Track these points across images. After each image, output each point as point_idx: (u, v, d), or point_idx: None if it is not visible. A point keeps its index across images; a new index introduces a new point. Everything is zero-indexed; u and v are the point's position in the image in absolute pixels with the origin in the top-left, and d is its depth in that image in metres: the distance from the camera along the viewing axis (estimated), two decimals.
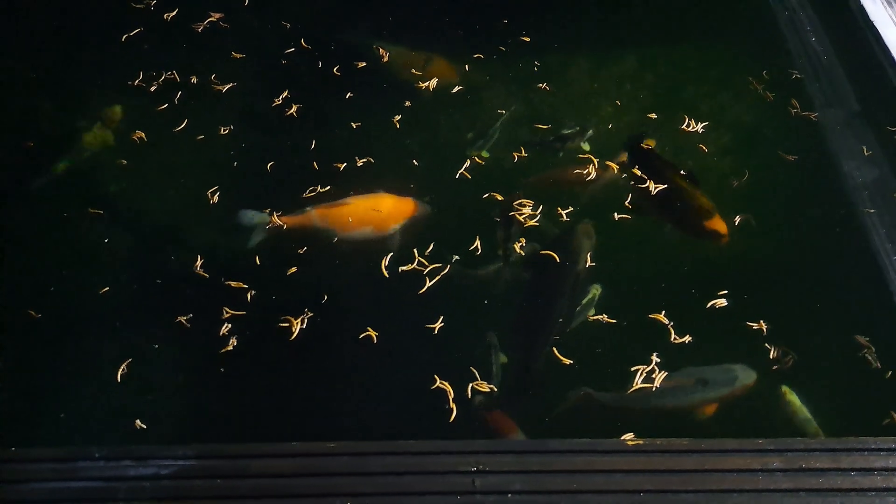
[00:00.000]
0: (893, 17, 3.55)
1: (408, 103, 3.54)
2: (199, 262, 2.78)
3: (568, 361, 2.59)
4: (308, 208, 3.06)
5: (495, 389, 2.51)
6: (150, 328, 2.76)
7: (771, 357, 2.58)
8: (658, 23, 4.11)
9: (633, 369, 2.56)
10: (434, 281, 2.82)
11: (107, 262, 2.99)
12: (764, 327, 2.65)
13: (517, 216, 3.07)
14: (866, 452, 2.09)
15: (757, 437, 2.08)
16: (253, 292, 2.81)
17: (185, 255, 2.99)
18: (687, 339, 2.64)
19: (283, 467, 2.11)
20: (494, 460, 2.10)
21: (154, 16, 3.96)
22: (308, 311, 2.73)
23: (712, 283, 2.82)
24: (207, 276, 2.87)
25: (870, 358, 2.54)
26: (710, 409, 2.55)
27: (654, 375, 2.54)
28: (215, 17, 3.93)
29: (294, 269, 2.88)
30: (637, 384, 2.52)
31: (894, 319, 2.79)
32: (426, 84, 3.62)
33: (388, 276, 2.86)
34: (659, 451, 2.10)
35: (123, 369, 2.61)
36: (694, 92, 3.73)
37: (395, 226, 3.03)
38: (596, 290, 2.83)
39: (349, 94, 3.58)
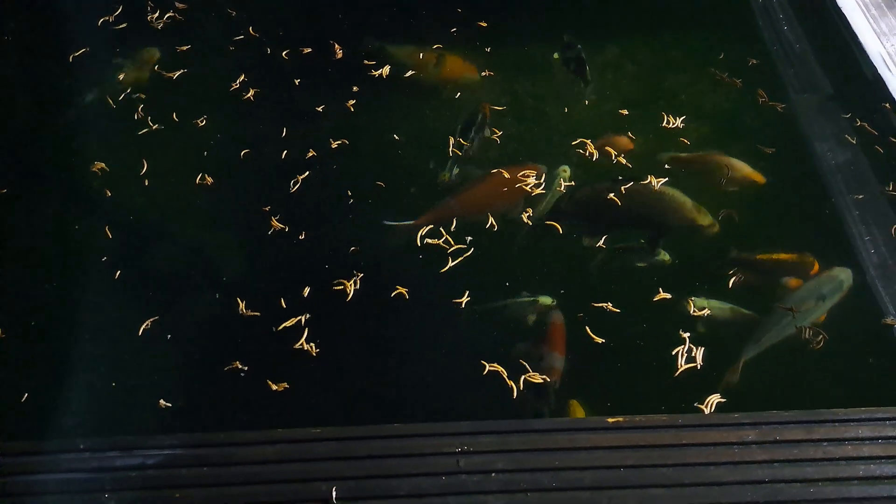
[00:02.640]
0: (858, 1, 3.62)
1: (355, 88, 3.57)
2: (242, 306, 2.74)
3: (600, 340, 2.61)
4: (447, 198, 3.13)
5: (548, 380, 2.52)
6: (143, 320, 2.75)
7: (802, 338, 2.63)
8: (639, 12, 4.15)
9: (673, 353, 2.58)
10: (457, 261, 2.85)
11: (97, 254, 2.97)
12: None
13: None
14: (837, 423, 2.16)
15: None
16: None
17: (177, 249, 3.01)
18: (705, 312, 2.70)
19: (268, 454, 2.13)
20: (478, 441, 2.13)
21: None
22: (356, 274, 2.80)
23: (699, 273, 2.91)
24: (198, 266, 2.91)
25: None
26: (822, 317, 2.71)
27: (693, 354, 2.57)
28: (180, 5, 3.93)
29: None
30: (682, 366, 2.54)
31: (868, 297, 2.85)
32: (379, 72, 3.64)
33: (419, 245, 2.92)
34: (639, 428, 2.15)
35: (146, 328, 2.62)
36: (674, 81, 3.77)
37: (523, 193, 3.15)
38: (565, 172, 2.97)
39: (298, 80, 3.63)
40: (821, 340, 2.58)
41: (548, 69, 3.85)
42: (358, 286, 2.77)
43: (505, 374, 2.51)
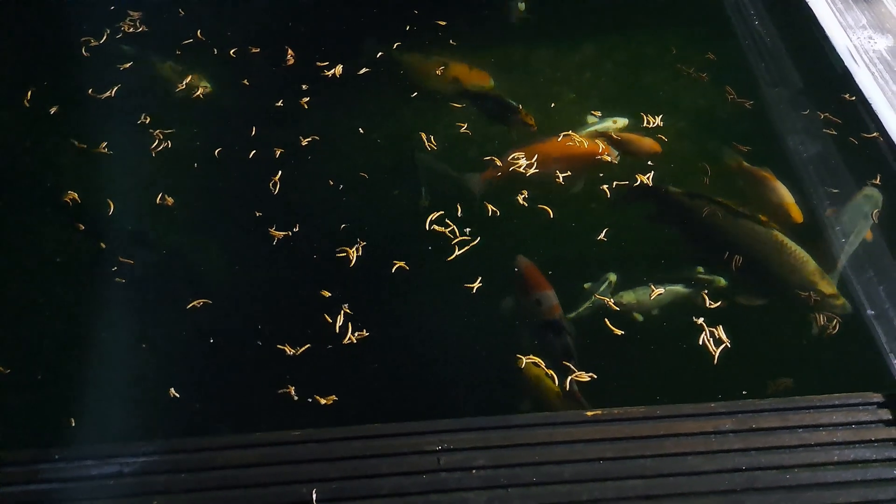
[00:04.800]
0: None
1: (304, 86, 3.58)
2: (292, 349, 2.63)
3: (619, 332, 2.61)
4: (514, 154, 3.17)
5: (594, 377, 2.49)
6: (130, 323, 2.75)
7: (818, 325, 2.64)
8: (615, 10, 4.19)
9: (700, 342, 2.58)
10: (462, 251, 2.86)
11: (71, 257, 2.97)
12: (812, 297, 2.71)
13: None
14: (812, 410, 2.19)
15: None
16: None
17: (158, 254, 3.00)
18: (721, 303, 2.71)
19: (248, 457, 2.12)
20: (458, 438, 2.14)
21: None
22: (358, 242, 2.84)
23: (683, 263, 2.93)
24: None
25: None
26: (869, 235, 2.88)
27: (717, 335, 2.58)
28: (134, 15, 3.92)
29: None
30: (715, 351, 2.54)
31: (841, 288, 2.90)
32: (332, 72, 3.64)
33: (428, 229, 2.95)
34: (617, 420, 2.17)
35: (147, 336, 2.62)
36: (651, 79, 3.80)
37: (585, 166, 3.18)
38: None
39: (245, 80, 3.64)
40: (835, 325, 2.59)
41: (525, 68, 3.87)
42: (360, 253, 2.81)
43: (543, 365, 2.51)
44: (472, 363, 2.61)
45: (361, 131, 3.43)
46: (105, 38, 3.85)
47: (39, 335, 2.75)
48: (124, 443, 2.17)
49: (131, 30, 3.89)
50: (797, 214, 2.95)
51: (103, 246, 2.96)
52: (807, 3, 3.65)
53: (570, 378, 2.48)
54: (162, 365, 2.61)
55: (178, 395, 2.46)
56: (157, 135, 3.39)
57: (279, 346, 2.58)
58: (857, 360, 2.60)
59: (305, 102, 3.52)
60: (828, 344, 2.61)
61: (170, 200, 3.10)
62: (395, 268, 2.76)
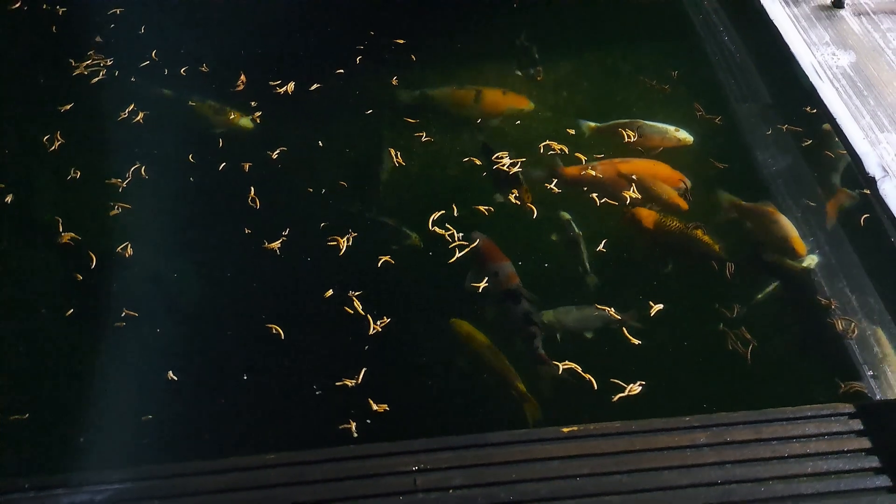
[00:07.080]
0: (789, 13, 3.79)
1: (253, 103, 3.64)
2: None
3: (636, 341, 2.63)
4: (593, 161, 3.30)
5: (644, 383, 2.50)
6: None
7: (838, 329, 2.67)
8: (590, 30, 4.26)
9: (730, 347, 2.62)
10: (462, 253, 2.92)
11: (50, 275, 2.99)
12: (833, 304, 2.77)
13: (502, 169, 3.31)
14: (785, 422, 2.21)
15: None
16: None
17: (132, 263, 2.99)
18: (736, 308, 2.74)
19: (222, 482, 2.09)
20: (434, 458, 2.12)
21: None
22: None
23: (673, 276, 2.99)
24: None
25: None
26: None
27: (747, 337, 2.63)
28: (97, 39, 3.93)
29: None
30: (747, 353, 2.58)
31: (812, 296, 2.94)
32: (283, 89, 3.67)
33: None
34: (592, 436, 2.17)
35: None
36: (626, 96, 3.85)
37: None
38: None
39: (190, 101, 3.68)
40: (854, 328, 2.63)
41: (502, 85, 3.91)
42: (350, 243, 2.92)
43: (580, 370, 2.53)
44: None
45: (321, 144, 3.47)
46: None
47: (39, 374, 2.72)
48: (94, 471, 2.13)
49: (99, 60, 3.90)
50: (801, 248, 2.97)
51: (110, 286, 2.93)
52: (772, 21, 3.74)
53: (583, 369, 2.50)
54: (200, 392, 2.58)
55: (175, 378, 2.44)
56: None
57: (338, 384, 2.56)
58: (830, 370, 2.62)
59: (258, 116, 3.58)
60: (801, 354, 2.64)
61: (129, 251, 3.02)
62: (380, 260, 2.85)
